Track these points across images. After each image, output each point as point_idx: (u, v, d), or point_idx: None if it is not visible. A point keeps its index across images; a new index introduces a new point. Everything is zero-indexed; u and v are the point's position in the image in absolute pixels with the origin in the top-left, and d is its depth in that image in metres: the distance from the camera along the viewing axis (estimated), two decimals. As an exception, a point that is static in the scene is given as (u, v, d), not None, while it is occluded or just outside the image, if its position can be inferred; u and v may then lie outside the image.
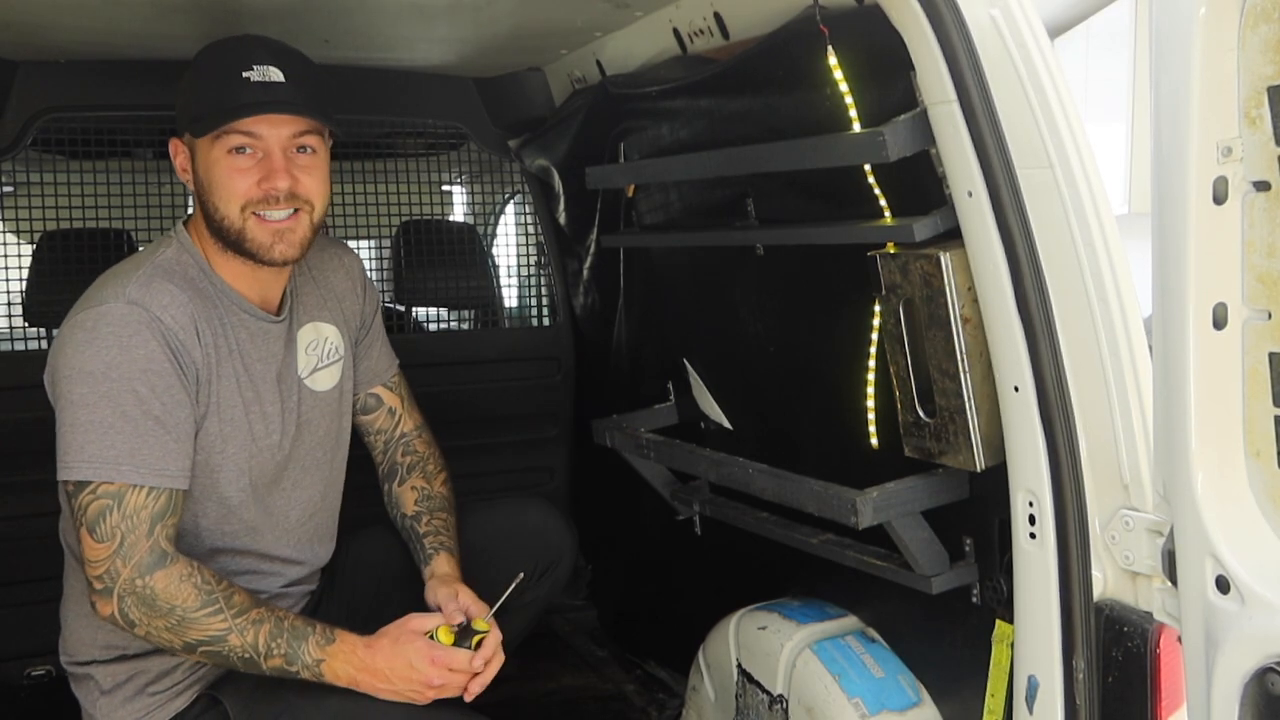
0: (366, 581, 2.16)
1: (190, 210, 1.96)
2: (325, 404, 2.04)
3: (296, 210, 1.82)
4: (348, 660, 1.74)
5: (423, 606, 2.06)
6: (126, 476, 1.67)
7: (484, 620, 1.87)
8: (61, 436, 1.70)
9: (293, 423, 1.95)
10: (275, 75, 1.79)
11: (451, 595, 1.93)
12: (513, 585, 1.92)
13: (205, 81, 1.81)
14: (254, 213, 1.81)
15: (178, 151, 1.86)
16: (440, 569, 2.01)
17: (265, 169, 1.79)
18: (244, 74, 1.77)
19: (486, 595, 2.20)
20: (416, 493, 2.16)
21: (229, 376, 1.83)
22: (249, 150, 1.79)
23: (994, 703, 1.79)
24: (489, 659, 1.82)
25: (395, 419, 2.22)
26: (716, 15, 2.11)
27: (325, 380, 2.04)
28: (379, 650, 1.75)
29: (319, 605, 2.08)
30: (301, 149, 1.83)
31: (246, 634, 1.70)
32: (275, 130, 1.79)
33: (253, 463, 1.87)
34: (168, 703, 1.87)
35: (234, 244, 1.83)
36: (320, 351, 2.04)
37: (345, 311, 2.12)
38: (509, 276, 3.63)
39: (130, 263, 1.84)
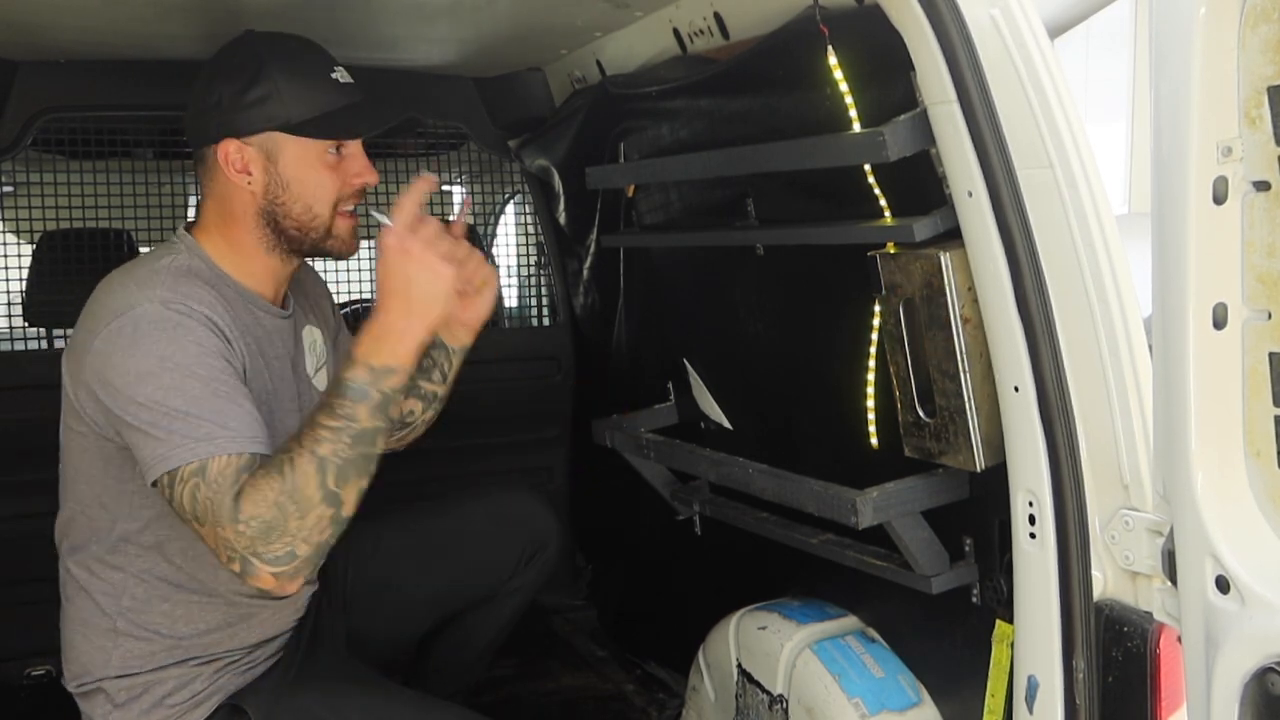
0: (358, 577, 2.18)
1: (192, 214, 1.96)
2: None
3: None
4: (372, 340, 1.63)
5: (414, 587, 2.19)
6: (219, 448, 1.57)
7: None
8: (140, 446, 1.60)
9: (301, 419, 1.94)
10: (347, 75, 1.83)
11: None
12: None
13: (292, 82, 1.77)
14: (342, 209, 1.82)
15: (237, 153, 1.77)
16: None
17: (356, 165, 1.82)
18: (331, 75, 1.80)
19: (473, 584, 2.26)
20: None
21: (255, 372, 1.80)
22: (341, 150, 1.81)
23: (994, 703, 1.79)
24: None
25: None
26: (716, 15, 2.11)
27: (322, 380, 2.05)
28: (385, 300, 1.64)
29: (320, 607, 2.08)
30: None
31: (321, 444, 1.56)
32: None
33: None
34: (187, 713, 1.82)
35: (314, 241, 1.83)
36: (318, 352, 2.05)
37: (323, 314, 2.14)
38: (509, 276, 3.63)
39: (139, 268, 1.77)
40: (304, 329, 2.02)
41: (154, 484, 1.60)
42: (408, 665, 2.40)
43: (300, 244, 1.84)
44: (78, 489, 1.80)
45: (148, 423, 1.59)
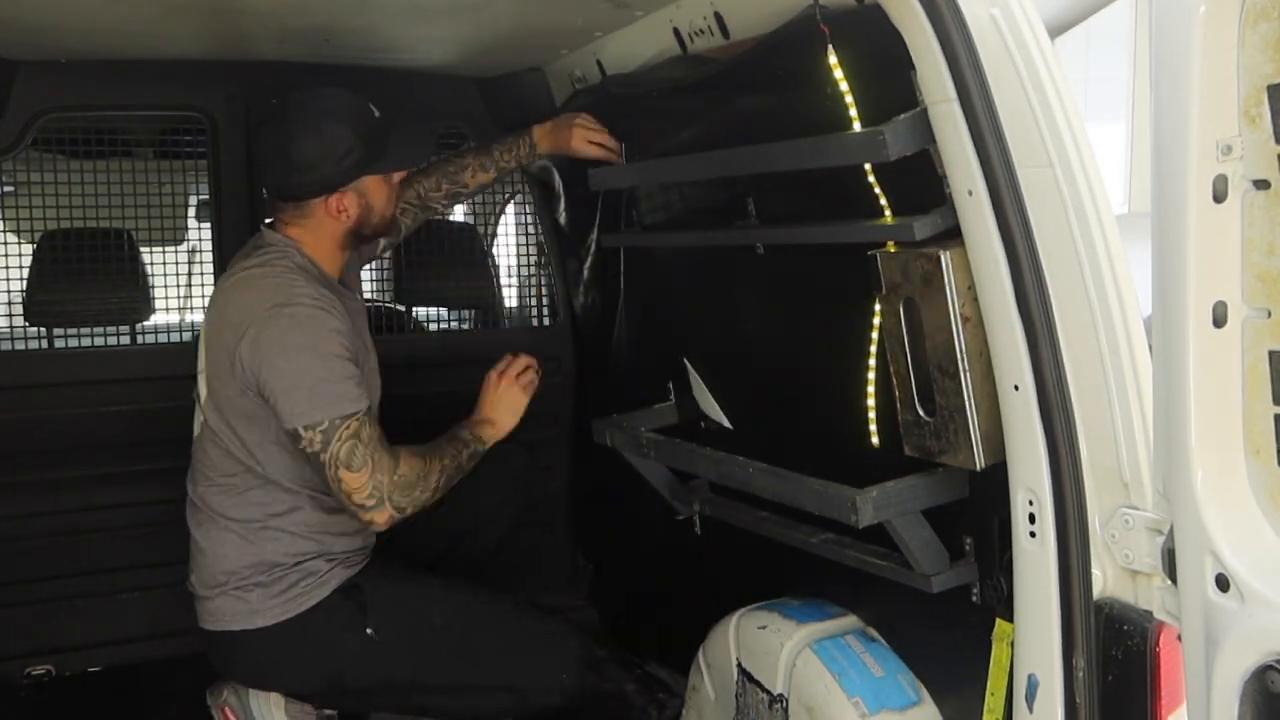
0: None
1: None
2: None
3: None
4: (481, 427, 2.36)
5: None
6: (354, 405, 2.09)
7: None
8: (288, 396, 2.07)
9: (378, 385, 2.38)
10: (374, 108, 2.28)
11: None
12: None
13: (358, 132, 2.20)
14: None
15: (337, 201, 2.22)
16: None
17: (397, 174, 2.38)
18: (375, 115, 2.25)
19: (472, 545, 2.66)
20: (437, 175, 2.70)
21: (357, 346, 2.22)
22: None
23: (994, 701, 1.79)
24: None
25: None
26: (717, 15, 2.11)
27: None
28: (488, 410, 2.40)
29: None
30: None
31: (446, 459, 2.24)
32: None
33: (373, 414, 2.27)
34: (314, 590, 2.26)
35: (380, 232, 2.36)
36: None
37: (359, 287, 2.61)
38: (509, 276, 3.63)
39: (271, 270, 2.18)
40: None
41: (292, 431, 2.08)
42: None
43: (369, 237, 2.36)
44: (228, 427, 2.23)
45: (291, 386, 2.08)
